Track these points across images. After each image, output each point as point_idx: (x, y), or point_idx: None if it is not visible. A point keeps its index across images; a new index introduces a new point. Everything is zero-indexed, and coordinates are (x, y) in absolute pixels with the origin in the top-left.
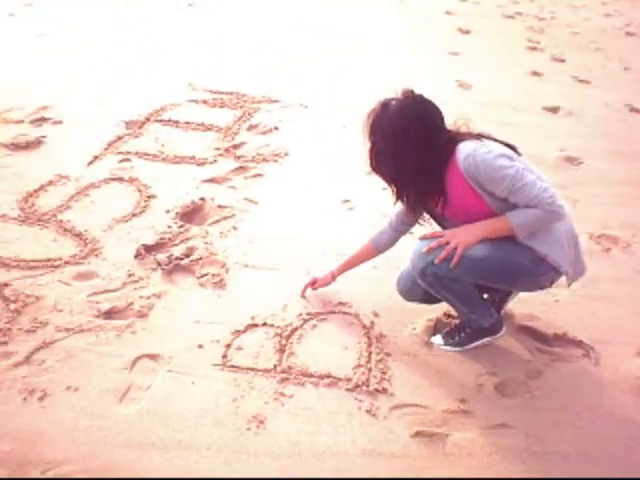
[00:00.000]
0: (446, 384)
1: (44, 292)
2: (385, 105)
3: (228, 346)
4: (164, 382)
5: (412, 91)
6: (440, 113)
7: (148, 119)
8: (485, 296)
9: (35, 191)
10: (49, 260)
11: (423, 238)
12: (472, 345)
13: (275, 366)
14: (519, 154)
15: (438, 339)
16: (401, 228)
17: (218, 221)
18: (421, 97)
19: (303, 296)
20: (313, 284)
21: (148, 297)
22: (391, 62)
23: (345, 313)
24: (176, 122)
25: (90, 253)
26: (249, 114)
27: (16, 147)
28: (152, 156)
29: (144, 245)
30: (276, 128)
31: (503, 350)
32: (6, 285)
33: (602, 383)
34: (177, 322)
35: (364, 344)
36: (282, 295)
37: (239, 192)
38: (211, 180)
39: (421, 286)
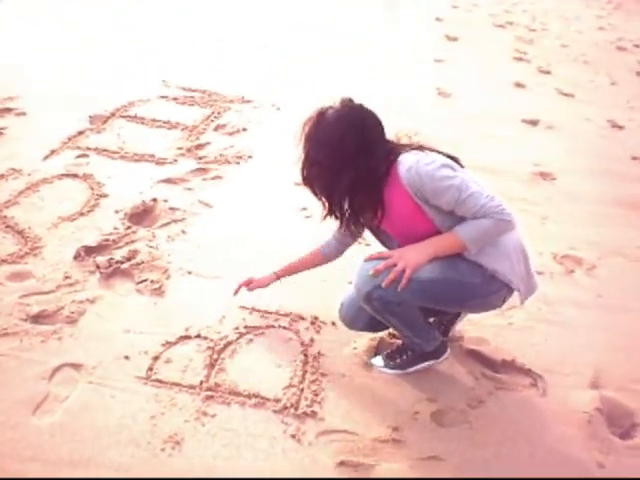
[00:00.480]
0: (380, 410)
1: None
2: (321, 114)
3: (156, 358)
4: (83, 394)
5: (350, 100)
6: (380, 124)
7: (113, 114)
8: (431, 319)
9: None
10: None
11: (368, 259)
12: (413, 368)
13: (201, 382)
14: (462, 166)
15: (378, 360)
16: (345, 240)
17: (167, 224)
18: (360, 106)
19: (235, 294)
20: (248, 284)
21: (81, 302)
22: (371, 66)
23: (285, 328)
24: (142, 119)
25: (29, 252)
26: (218, 113)
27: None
28: (111, 152)
29: (85, 247)
30: (244, 129)
31: (446, 375)
32: None
33: (547, 415)
34: (107, 330)
35: (300, 362)
36: (221, 306)
37: (194, 194)
38: (167, 180)
39: (365, 312)
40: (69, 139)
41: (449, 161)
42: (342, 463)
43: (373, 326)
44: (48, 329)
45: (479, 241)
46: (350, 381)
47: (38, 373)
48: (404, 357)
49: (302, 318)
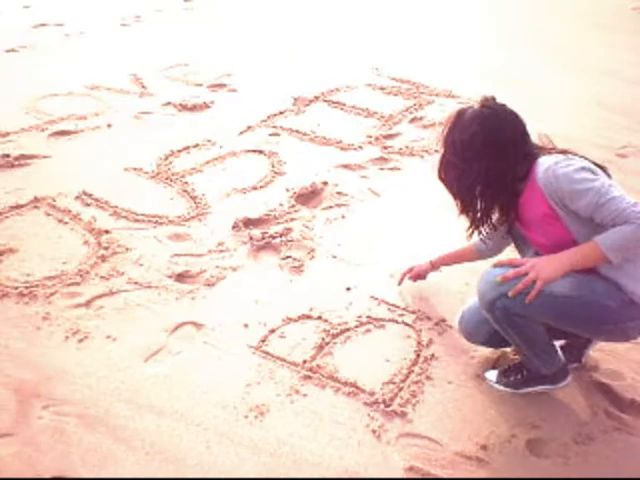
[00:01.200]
0: (475, 425)
1: (135, 245)
2: (460, 113)
3: (272, 331)
4: (194, 352)
5: (491, 99)
6: (520, 125)
7: (317, 98)
8: (561, 342)
9: (178, 151)
10: (155, 216)
11: (498, 264)
12: (527, 390)
13: (304, 362)
14: (609, 176)
15: (492, 375)
16: (498, 241)
17: (330, 207)
18: (499, 106)
19: (399, 284)
20: (410, 271)
21: (224, 268)
22: None
23: (407, 325)
24: (343, 104)
25: (195, 217)
26: (420, 105)
27: (183, 108)
28: (302, 134)
29: (246, 218)
30: (440, 123)
31: (561, 403)
32: (107, 232)
33: None
34: (238, 297)
35: (409, 361)
36: (353, 293)
37: (367, 182)
38: (345, 166)
39: (487, 325)
40: (268, 117)
41: (591, 165)
42: (411, 468)
43: (495, 341)
44: (186, 288)
45: (622, 249)
46: (455, 389)
47: (162, 326)
48: (519, 376)
49: (428, 318)
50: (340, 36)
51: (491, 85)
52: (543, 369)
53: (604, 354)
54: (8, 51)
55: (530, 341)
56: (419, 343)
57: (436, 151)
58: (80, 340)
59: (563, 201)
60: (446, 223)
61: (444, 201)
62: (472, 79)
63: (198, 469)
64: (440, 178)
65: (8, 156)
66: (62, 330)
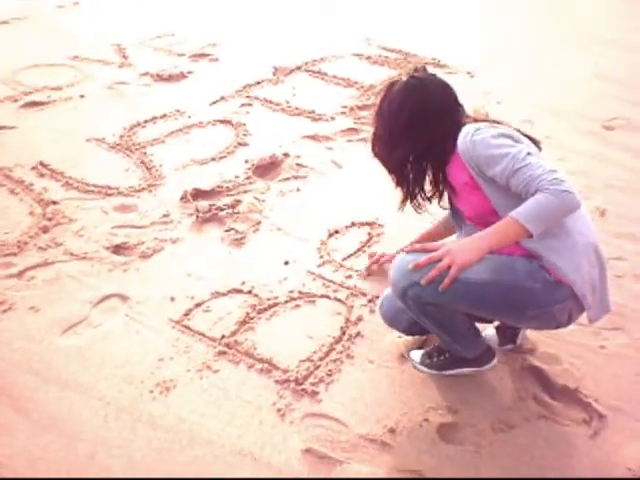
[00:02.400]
0: (388, 407)
1: (79, 216)
2: (389, 87)
3: (198, 305)
4: (114, 325)
5: (420, 69)
6: (450, 95)
7: (299, 68)
8: (496, 324)
9: (145, 121)
10: (106, 187)
11: (411, 251)
12: (451, 372)
13: (223, 337)
14: (539, 149)
15: (416, 355)
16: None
17: (287, 179)
18: (428, 78)
19: (365, 275)
20: (377, 261)
21: (163, 240)
22: None
23: (339, 301)
24: (324, 74)
25: (146, 188)
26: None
27: (159, 78)
28: (274, 104)
29: (197, 189)
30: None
31: (486, 387)
32: (54, 203)
33: (580, 462)
34: (171, 271)
35: (332, 339)
36: (291, 268)
37: (331, 154)
38: (312, 137)
39: (405, 314)
40: (244, 87)
41: (514, 133)
42: (309, 450)
43: (416, 329)
44: (120, 260)
45: (540, 219)
46: (374, 369)
47: (88, 298)
48: (442, 358)
49: (363, 294)
50: (333, 5)
51: (482, 55)
52: (465, 354)
53: (543, 336)
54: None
55: (448, 329)
56: (347, 320)
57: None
58: (4, 311)
59: (480, 167)
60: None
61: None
62: (464, 50)
63: (90, 443)
64: (374, 153)
65: None
66: None
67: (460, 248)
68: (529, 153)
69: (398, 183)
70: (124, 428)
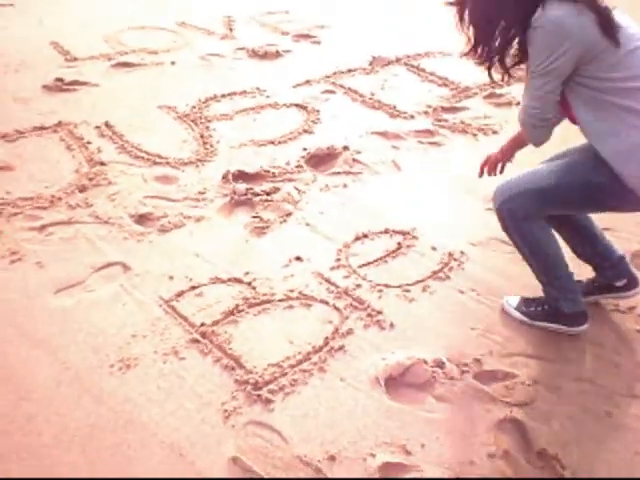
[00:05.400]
0: (337, 431)
1: (119, 181)
2: None
3: (193, 288)
4: (105, 293)
5: None
6: None
7: (399, 60)
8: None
9: (222, 95)
10: (156, 156)
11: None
12: (542, 324)
13: (202, 325)
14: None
15: (513, 300)
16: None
17: (338, 173)
18: None
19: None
20: (486, 163)
21: (188, 217)
22: None
23: (336, 309)
24: (422, 70)
25: (194, 162)
26: (507, 82)
27: (254, 54)
28: (357, 95)
29: (240, 171)
30: (518, 104)
31: (458, 433)
32: (101, 164)
33: None
34: (182, 249)
35: (311, 348)
36: (301, 265)
37: (396, 153)
38: (382, 133)
39: None
40: (333, 74)
41: (576, 31)
42: (235, 460)
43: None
44: (138, 230)
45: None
46: (342, 389)
47: (93, 262)
48: (539, 309)
49: (364, 308)
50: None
51: None
52: (562, 305)
53: (546, 390)
54: None
55: (541, 259)
56: (335, 331)
57: (494, 132)
58: (12, 261)
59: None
60: (460, 213)
61: (471, 188)
62: None
63: (34, 405)
64: (459, 10)
65: (61, 80)
66: (3, 249)
67: (500, 149)
68: (554, 69)
69: (476, 44)
70: (71, 397)
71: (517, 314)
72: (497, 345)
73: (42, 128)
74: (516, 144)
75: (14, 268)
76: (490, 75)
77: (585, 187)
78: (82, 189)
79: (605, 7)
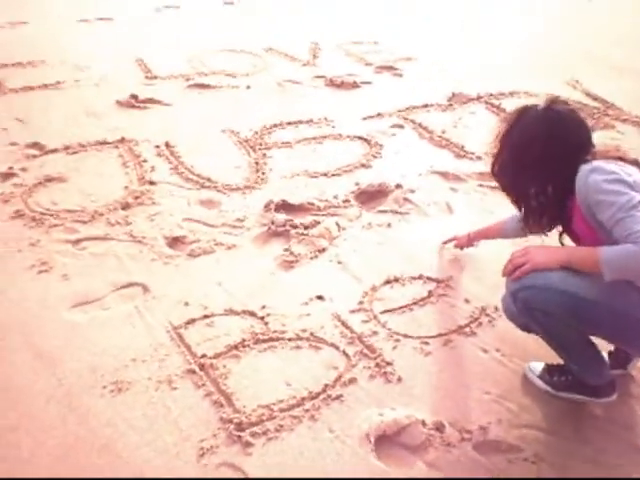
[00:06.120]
0: None
1: (163, 202)
2: (521, 113)
3: (205, 317)
4: (119, 313)
5: (558, 101)
6: (585, 133)
7: (479, 98)
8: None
9: (288, 123)
10: (207, 179)
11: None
12: (566, 395)
13: (203, 356)
14: None
15: (537, 367)
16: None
17: (385, 212)
18: (566, 112)
19: (441, 246)
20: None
21: (220, 244)
22: None
23: (345, 355)
24: (502, 110)
25: (241, 189)
26: (592, 128)
27: (331, 83)
28: (426, 131)
29: (284, 201)
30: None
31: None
32: (151, 183)
33: None
34: (205, 276)
35: (307, 394)
36: (321, 305)
37: (452, 195)
38: (442, 174)
39: None
40: (407, 108)
41: (630, 178)
42: None
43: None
44: (168, 252)
45: (620, 267)
46: (328, 442)
47: (115, 280)
48: (562, 378)
49: (370, 353)
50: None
51: None
52: (586, 378)
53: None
54: (226, 3)
55: (560, 342)
56: (338, 379)
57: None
58: (40, 272)
59: (591, 210)
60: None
61: (520, 242)
62: None
63: (18, 416)
64: (492, 173)
65: (135, 97)
66: (34, 258)
67: (539, 251)
68: (631, 205)
69: (515, 204)
70: (57, 414)
71: (540, 382)
72: (509, 414)
73: (104, 143)
74: (490, 234)
75: (40, 278)
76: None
77: (623, 318)
78: (125, 206)
79: None
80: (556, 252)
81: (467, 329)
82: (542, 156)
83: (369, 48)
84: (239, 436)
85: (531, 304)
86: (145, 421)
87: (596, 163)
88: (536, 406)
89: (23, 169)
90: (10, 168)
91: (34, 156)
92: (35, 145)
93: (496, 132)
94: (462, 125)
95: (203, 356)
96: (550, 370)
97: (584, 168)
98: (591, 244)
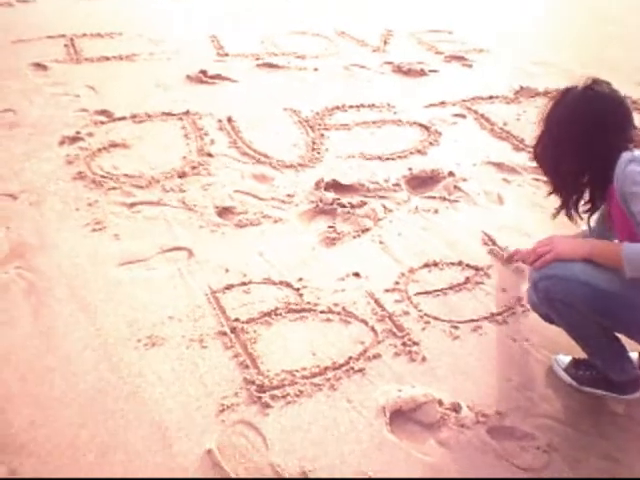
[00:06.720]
0: (322, 452)
1: (218, 173)
2: (564, 94)
3: (243, 284)
4: (163, 273)
5: (599, 83)
6: (626, 114)
7: (546, 93)
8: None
9: (350, 106)
10: (263, 155)
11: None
12: (590, 390)
13: (236, 319)
14: None
15: (563, 361)
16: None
17: (433, 198)
18: (606, 91)
19: (505, 262)
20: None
21: (267, 217)
22: None
23: (373, 330)
24: None
25: (295, 166)
26: None
27: (397, 70)
28: (488, 122)
29: (335, 181)
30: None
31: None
32: (209, 155)
33: None
34: (248, 245)
35: (331, 364)
36: (357, 282)
37: (504, 187)
38: (497, 165)
39: None
40: (472, 99)
41: None
42: (210, 453)
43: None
44: (216, 221)
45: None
46: (344, 411)
47: (163, 243)
48: (588, 373)
49: (398, 332)
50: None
51: None
52: (610, 374)
53: None
54: None
55: (580, 334)
56: (363, 353)
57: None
58: (94, 230)
59: (626, 201)
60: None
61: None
62: None
63: (56, 359)
64: (535, 155)
65: (204, 72)
66: (90, 218)
67: (564, 240)
68: None
69: (555, 190)
70: (91, 361)
71: (565, 376)
72: (528, 402)
73: (169, 114)
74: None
75: (92, 236)
76: (569, 218)
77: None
78: (181, 175)
79: None
80: (580, 244)
81: (499, 317)
82: (581, 135)
83: (443, 37)
84: (259, 397)
85: (551, 294)
86: (173, 375)
87: (638, 152)
88: (557, 398)
89: (90, 134)
90: (77, 132)
91: (102, 122)
92: (104, 112)
93: (540, 114)
94: (525, 119)
95: (236, 320)
96: (576, 364)
97: (625, 156)
98: (624, 232)
